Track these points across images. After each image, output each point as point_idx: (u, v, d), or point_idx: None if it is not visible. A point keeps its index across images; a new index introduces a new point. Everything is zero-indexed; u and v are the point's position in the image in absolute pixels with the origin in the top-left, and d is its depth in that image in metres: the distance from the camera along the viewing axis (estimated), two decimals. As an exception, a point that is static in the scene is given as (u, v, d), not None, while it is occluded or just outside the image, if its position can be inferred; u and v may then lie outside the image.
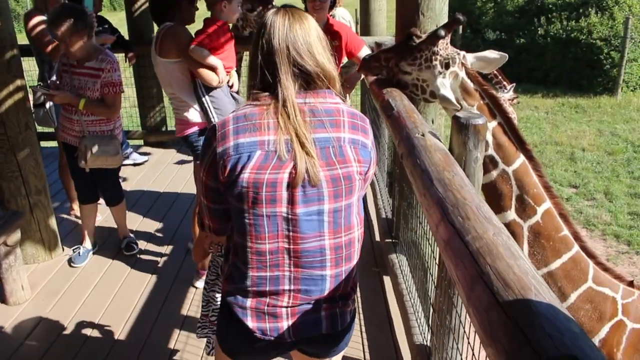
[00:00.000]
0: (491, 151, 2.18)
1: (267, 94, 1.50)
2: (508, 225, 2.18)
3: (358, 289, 3.39)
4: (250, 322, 1.56)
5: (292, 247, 1.50)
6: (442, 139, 2.21)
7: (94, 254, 3.97)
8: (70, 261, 3.85)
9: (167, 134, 6.36)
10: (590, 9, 11.08)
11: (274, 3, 5.01)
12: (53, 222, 3.91)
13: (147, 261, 3.89)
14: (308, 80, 1.51)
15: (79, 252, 3.86)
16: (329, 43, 3.57)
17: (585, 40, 10.78)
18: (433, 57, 2.23)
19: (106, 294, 3.51)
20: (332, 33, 3.62)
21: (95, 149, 3.42)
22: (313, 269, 1.52)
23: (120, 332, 3.16)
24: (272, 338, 1.57)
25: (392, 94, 2.62)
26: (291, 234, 1.48)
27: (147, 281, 3.64)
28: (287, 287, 1.53)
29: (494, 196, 2.19)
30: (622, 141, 8.30)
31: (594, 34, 10.73)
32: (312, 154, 1.44)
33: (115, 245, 4.08)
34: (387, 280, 3.45)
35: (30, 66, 5.45)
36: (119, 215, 3.94)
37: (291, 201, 1.46)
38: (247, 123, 1.46)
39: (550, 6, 11.80)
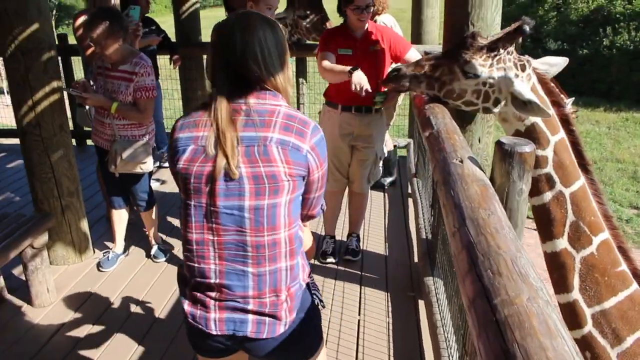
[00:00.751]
0: (549, 169, 1.97)
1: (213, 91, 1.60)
2: (558, 255, 1.98)
3: (390, 316, 3.26)
4: (186, 306, 1.65)
5: (215, 238, 1.57)
6: (484, 166, 2.02)
7: (124, 258, 3.91)
8: (99, 265, 3.79)
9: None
10: (660, 20, 10.52)
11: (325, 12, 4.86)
12: (85, 224, 3.87)
13: (175, 269, 3.78)
14: (248, 82, 1.56)
15: (107, 257, 3.80)
16: (374, 46, 3.44)
17: (654, 52, 10.23)
18: (508, 58, 2.00)
19: (132, 300, 3.43)
20: (370, 38, 3.45)
21: (125, 154, 3.35)
22: (235, 263, 1.57)
23: (144, 339, 3.08)
24: (200, 326, 1.62)
25: (433, 110, 2.41)
26: (214, 225, 1.56)
27: (174, 290, 3.53)
28: (213, 280, 1.59)
29: (545, 221, 1.98)
30: (688, 161, 7.83)
31: (663, 46, 10.18)
32: (228, 151, 1.50)
33: (145, 251, 4.01)
34: (422, 305, 3.23)
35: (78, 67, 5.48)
36: (148, 221, 3.86)
37: (213, 194, 1.53)
38: (190, 120, 1.60)
39: (618, 16, 11.27)
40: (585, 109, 10.47)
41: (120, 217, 3.82)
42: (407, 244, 4.10)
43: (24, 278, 3.36)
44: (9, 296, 3.40)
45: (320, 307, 1.82)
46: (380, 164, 3.94)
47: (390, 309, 3.31)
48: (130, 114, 3.38)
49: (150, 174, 3.74)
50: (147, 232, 3.98)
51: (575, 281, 1.94)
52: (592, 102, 10.80)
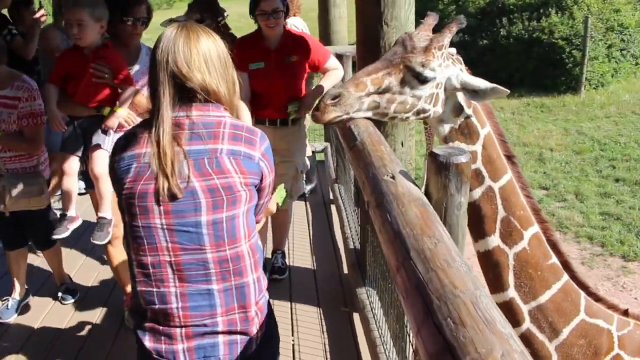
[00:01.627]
0: (479, 164, 1.88)
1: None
2: (491, 253, 1.92)
3: (325, 334, 3.10)
4: (148, 342, 1.54)
5: (173, 259, 1.49)
6: (410, 172, 1.87)
7: (25, 305, 3.50)
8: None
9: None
10: (550, 9, 11.00)
11: (225, 14, 4.61)
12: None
13: (88, 309, 3.44)
14: (191, 95, 1.51)
15: (7, 305, 3.39)
16: (290, 56, 3.19)
17: (547, 39, 10.74)
18: (446, 54, 1.83)
19: (39, 354, 3.06)
20: (289, 47, 3.20)
21: (15, 190, 2.97)
22: (198, 283, 1.51)
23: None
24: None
25: (355, 120, 2.26)
26: (169, 245, 1.49)
27: (88, 335, 3.19)
28: (175, 305, 1.51)
29: (476, 218, 1.90)
30: (588, 140, 8.26)
31: (555, 33, 10.69)
32: (168, 170, 1.44)
33: (51, 293, 3.61)
34: (357, 318, 3.08)
35: None
36: (52, 260, 3.49)
37: (165, 212, 1.47)
38: (132, 138, 1.54)
39: (512, 7, 11.74)
40: (489, 97, 10.84)
41: (17, 259, 3.41)
42: (335, 255, 3.95)
43: None
44: None
45: None
46: (303, 177, 3.72)
47: (324, 327, 3.15)
48: (16, 144, 3.01)
49: (49, 208, 3.36)
50: (51, 271, 3.60)
51: (510, 279, 1.90)
52: (494, 90, 11.20)
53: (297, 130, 3.42)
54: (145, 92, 2.75)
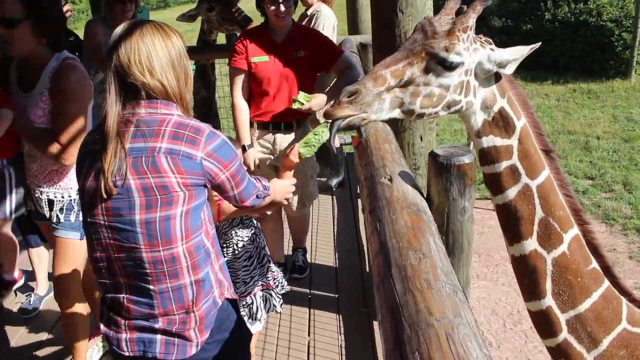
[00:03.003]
0: (515, 160, 1.69)
1: None
2: (527, 258, 1.76)
3: (342, 335, 2.99)
4: (102, 326, 1.62)
5: (115, 255, 1.51)
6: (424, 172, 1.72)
7: (48, 299, 3.51)
8: (21, 310, 3.39)
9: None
10: (599, -11, 10.53)
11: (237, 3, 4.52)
12: (0, 267, 3.46)
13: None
14: (135, 92, 1.49)
15: (29, 300, 3.41)
16: (298, 51, 2.98)
17: (595, 22, 10.24)
18: (473, 36, 1.66)
19: (57, 351, 3.06)
20: (297, 42, 2.98)
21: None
22: (138, 280, 1.52)
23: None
24: (114, 347, 1.59)
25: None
26: (111, 241, 1.51)
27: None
28: (124, 294, 1.54)
29: (510, 220, 1.72)
30: (638, 127, 7.83)
31: (603, 15, 10.20)
32: (105, 166, 1.44)
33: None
34: (376, 325, 2.96)
35: None
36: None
37: (105, 209, 1.48)
38: (90, 136, 1.59)
39: (557, -11, 11.25)
40: (533, 83, 10.42)
41: (39, 255, 3.43)
42: (359, 252, 3.82)
43: None
44: None
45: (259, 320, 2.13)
46: (315, 181, 3.42)
47: (342, 328, 3.04)
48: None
49: None
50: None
51: (548, 286, 1.75)
52: (539, 76, 10.75)
53: (303, 133, 3.14)
54: None
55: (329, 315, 3.15)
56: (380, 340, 1.02)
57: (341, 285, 3.46)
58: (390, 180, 1.53)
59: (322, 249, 3.89)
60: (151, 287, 1.51)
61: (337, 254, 3.83)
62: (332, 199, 4.68)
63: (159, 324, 1.54)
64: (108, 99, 1.47)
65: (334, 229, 4.17)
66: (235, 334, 1.67)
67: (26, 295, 3.50)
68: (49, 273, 3.57)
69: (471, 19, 1.61)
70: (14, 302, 3.53)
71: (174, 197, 1.46)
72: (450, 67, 1.60)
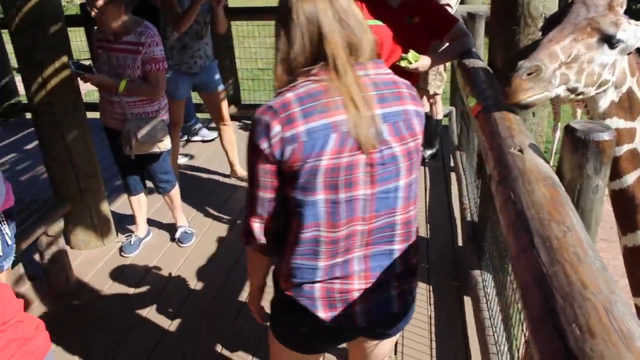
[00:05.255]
0: (637, 143, 1.61)
1: (317, 68, 1.35)
2: None
3: (432, 306, 2.97)
4: (322, 313, 1.47)
5: (366, 227, 1.43)
6: (539, 146, 1.65)
7: (147, 242, 3.70)
8: (121, 250, 3.59)
9: (242, 107, 6.02)
10: None
11: None
12: (106, 207, 3.66)
13: (202, 253, 3.57)
14: (358, 50, 1.37)
15: (130, 241, 3.60)
16: (412, 18, 2.88)
17: None
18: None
19: (155, 288, 3.24)
20: (410, 7, 2.83)
21: (140, 133, 3.09)
22: (382, 245, 1.47)
23: (168, 328, 2.90)
24: (345, 326, 1.51)
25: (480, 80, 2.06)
26: (367, 215, 1.41)
27: (200, 277, 3.32)
28: (356, 268, 1.46)
29: (626, 208, 1.65)
30: None
31: None
32: (370, 138, 1.33)
33: (169, 234, 3.79)
34: (467, 300, 2.92)
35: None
36: (172, 203, 3.63)
37: (370, 181, 1.38)
38: (315, 103, 1.32)
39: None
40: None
41: (139, 201, 3.60)
42: (451, 225, 3.76)
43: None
44: (28, 284, 3.23)
45: None
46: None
47: (432, 299, 3.02)
48: (141, 90, 3.10)
49: (168, 152, 3.47)
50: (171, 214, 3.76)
51: None
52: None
53: None
54: None
55: (419, 286, 3.12)
56: (523, 310, 0.99)
57: (432, 257, 3.42)
58: (521, 151, 1.48)
59: (413, 220, 3.86)
60: (396, 247, 1.48)
61: (428, 224, 3.78)
62: (425, 169, 4.60)
63: (396, 282, 1.53)
64: (337, 60, 1.32)
65: (425, 200, 4.12)
66: None
67: (126, 236, 3.70)
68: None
69: None
70: (114, 241, 3.74)
71: (419, 157, 1.47)
72: (614, 44, 1.52)
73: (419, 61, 2.71)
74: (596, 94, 1.63)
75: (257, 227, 1.44)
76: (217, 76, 4.26)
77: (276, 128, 1.30)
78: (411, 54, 2.67)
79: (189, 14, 3.71)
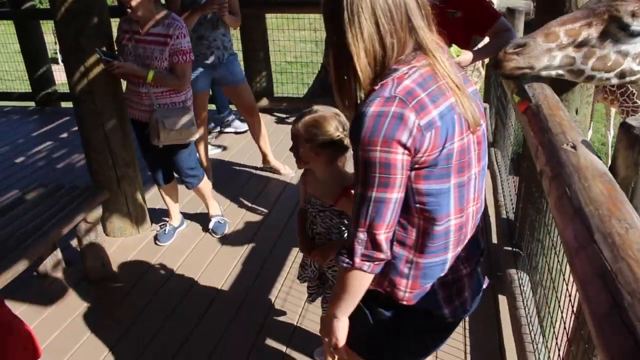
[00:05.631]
0: None
1: (414, 54, 1.30)
2: None
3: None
4: (446, 309, 1.45)
5: (475, 208, 1.43)
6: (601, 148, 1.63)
7: (181, 231, 3.75)
8: (156, 238, 3.64)
9: (274, 100, 6.04)
10: None
11: None
12: (141, 195, 3.71)
13: (236, 243, 3.60)
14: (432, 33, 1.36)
15: (164, 230, 3.64)
16: (454, 12, 2.85)
17: None
18: None
19: (189, 277, 3.28)
20: (454, 1, 2.79)
21: (168, 122, 3.11)
22: (474, 227, 1.47)
23: (202, 317, 2.94)
24: (461, 315, 1.50)
25: (527, 76, 2.03)
26: (475, 194, 1.40)
27: (233, 266, 3.34)
28: (464, 253, 1.44)
29: None
30: None
31: None
32: (475, 116, 1.33)
33: (204, 224, 3.83)
34: (502, 300, 2.89)
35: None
36: (202, 196, 3.66)
37: (477, 159, 1.38)
38: (433, 87, 1.27)
39: None
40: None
41: (169, 192, 3.62)
42: (485, 221, 3.73)
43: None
44: (65, 269, 3.30)
45: None
46: None
47: (465, 296, 3.00)
48: (168, 81, 3.11)
49: (193, 144, 3.46)
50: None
51: None
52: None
53: None
54: None
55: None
56: (584, 305, 0.98)
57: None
58: (574, 147, 1.46)
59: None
60: (478, 223, 1.49)
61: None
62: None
63: (477, 259, 1.53)
64: (428, 43, 1.30)
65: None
66: None
67: (161, 225, 3.75)
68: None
69: None
70: (149, 229, 3.79)
71: None
72: (633, 34, 1.50)
73: (461, 56, 2.69)
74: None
75: (384, 238, 1.29)
76: (238, 70, 4.23)
77: (411, 117, 1.20)
78: (453, 49, 2.65)
79: (186, 21, 3.61)
